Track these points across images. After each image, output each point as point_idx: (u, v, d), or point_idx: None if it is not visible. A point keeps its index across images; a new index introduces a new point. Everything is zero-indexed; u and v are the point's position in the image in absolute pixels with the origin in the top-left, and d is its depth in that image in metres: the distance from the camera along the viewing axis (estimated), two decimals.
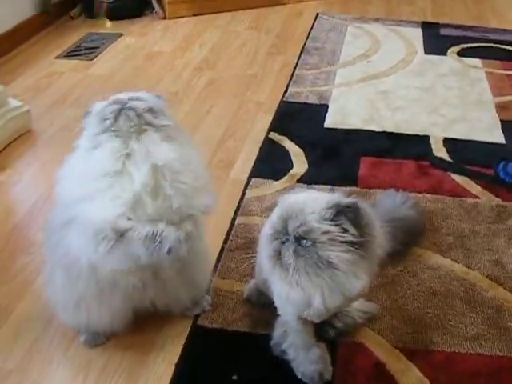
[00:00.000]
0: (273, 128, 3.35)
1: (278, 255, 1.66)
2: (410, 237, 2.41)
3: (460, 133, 3.32)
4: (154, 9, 5.08)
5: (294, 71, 4.07)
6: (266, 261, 1.72)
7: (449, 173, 2.95)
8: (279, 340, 1.96)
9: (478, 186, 2.85)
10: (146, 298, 1.96)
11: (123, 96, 1.89)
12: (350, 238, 1.60)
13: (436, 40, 4.59)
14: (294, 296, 1.69)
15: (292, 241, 1.64)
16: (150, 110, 1.84)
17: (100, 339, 2.06)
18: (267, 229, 1.73)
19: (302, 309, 1.75)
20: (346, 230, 1.60)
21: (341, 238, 1.59)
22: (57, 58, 4.28)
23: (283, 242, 1.65)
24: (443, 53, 4.37)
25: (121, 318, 1.98)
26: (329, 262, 1.59)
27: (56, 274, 1.95)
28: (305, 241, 1.61)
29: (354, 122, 3.43)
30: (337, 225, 1.60)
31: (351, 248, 1.60)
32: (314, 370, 1.89)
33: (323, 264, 1.60)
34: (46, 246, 1.99)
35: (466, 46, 4.47)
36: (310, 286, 1.64)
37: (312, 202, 1.66)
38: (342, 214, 1.60)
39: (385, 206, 2.47)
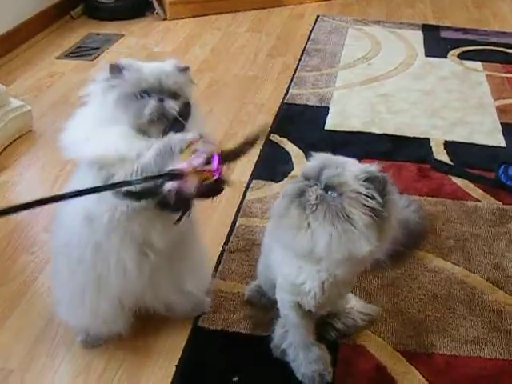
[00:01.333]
0: (273, 130, 3.35)
1: (299, 194, 1.69)
2: (411, 240, 2.41)
3: (461, 136, 3.32)
4: (154, 10, 5.08)
5: (294, 73, 4.07)
6: (278, 203, 1.75)
7: (449, 176, 2.96)
8: (279, 341, 1.97)
9: (479, 190, 2.86)
10: (143, 294, 1.95)
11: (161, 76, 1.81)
12: (374, 205, 1.63)
13: (437, 43, 4.60)
14: (300, 240, 1.69)
15: (321, 187, 1.67)
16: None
17: (97, 341, 2.06)
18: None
19: (303, 257, 1.75)
20: (373, 197, 1.63)
21: (366, 202, 1.63)
22: (58, 58, 4.28)
23: (310, 186, 1.68)
24: (444, 56, 4.37)
25: (119, 317, 1.97)
26: (349, 216, 1.62)
27: (59, 264, 1.95)
28: (333, 192, 1.65)
29: (355, 124, 3.43)
30: (367, 188, 1.64)
31: (372, 214, 1.63)
32: (314, 370, 1.89)
33: (343, 216, 1.63)
34: (52, 242, 2.00)
35: (466, 48, 4.48)
36: (322, 231, 1.65)
37: (350, 162, 1.72)
38: (374, 181, 1.65)
39: None
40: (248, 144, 1.77)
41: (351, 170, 1.67)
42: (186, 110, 1.81)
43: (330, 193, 1.65)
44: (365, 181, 1.65)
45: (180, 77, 1.85)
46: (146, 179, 1.65)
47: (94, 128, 1.76)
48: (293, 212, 1.69)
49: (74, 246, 1.84)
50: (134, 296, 1.94)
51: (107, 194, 1.70)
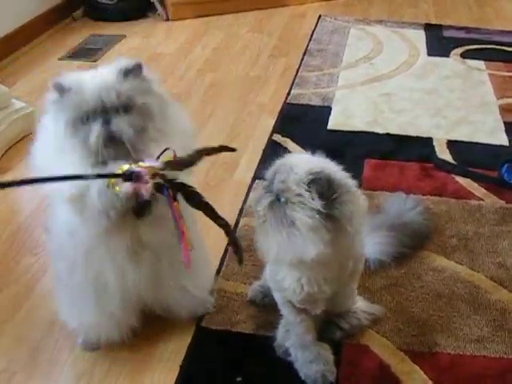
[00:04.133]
0: (276, 130, 3.35)
1: (256, 201, 1.75)
2: (416, 241, 2.41)
3: (463, 135, 3.32)
4: (156, 10, 5.08)
5: (296, 73, 4.07)
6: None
7: (452, 175, 2.96)
8: (282, 340, 1.97)
9: (482, 188, 2.85)
10: (144, 295, 1.95)
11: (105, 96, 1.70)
12: (317, 207, 1.63)
13: (439, 42, 4.60)
14: (260, 246, 1.76)
15: (273, 194, 1.70)
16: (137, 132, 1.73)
17: (98, 343, 2.05)
18: None
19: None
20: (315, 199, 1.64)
21: (309, 204, 1.64)
22: (60, 59, 4.29)
23: (265, 192, 1.73)
24: (446, 55, 4.37)
25: (121, 319, 1.96)
26: (291, 221, 1.64)
27: (58, 266, 1.95)
28: (281, 198, 1.67)
29: (358, 124, 3.43)
30: (308, 191, 1.64)
31: (316, 216, 1.63)
32: (317, 370, 1.89)
33: (286, 222, 1.66)
34: (49, 245, 2.01)
35: (469, 47, 4.47)
36: (271, 237, 1.70)
37: (302, 164, 1.72)
38: (316, 183, 1.65)
39: (393, 210, 2.49)
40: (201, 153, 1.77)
41: (298, 172, 1.68)
42: (143, 121, 1.72)
43: (281, 199, 1.67)
44: (308, 183, 1.65)
45: (126, 84, 1.72)
46: (99, 176, 1.63)
47: (50, 157, 1.72)
48: (255, 220, 1.76)
49: (67, 250, 1.84)
50: (134, 296, 1.93)
51: (89, 212, 1.69)
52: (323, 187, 1.64)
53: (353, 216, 1.69)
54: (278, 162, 1.76)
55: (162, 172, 1.66)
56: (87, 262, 1.83)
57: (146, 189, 1.63)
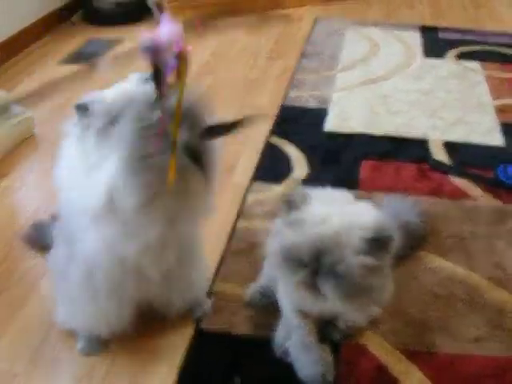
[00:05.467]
0: (273, 132, 3.36)
1: (311, 285, 1.66)
2: (415, 242, 2.44)
3: (460, 136, 3.33)
4: (154, 14, 5.08)
5: (293, 76, 4.09)
6: (292, 287, 1.76)
7: (449, 176, 2.97)
8: (281, 341, 1.97)
9: (478, 189, 2.87)
10: (147, 293, 1.97)
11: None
12: (384, 264, 1.62)
13: (435, 43, 4.62)
14: (310, 304, 1.71)
15: (326, 272, 1.63)
16: None
17: (96, 348, 2.06)
18: (282, 246, 1.72)
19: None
20: (380, 259, 1.61)
21: (376, 266, 1.60)
22: (59, 63, 4.30)
23: (315, 272, 1.64)
24: (442, 56, 4.39)
25: (124, 316, 1.98)
26: (371, 287, 1.61)
27: (67, 266, 1.94)
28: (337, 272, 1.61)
29: (354, 125, 3.44)
30: (373, 255, 1.60)
31: (387, 268, 1.63)
32: (317, 371, 1.89)
33: (365, 290, 1.63)
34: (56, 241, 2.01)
35: (464, 49, 4.49)
36: (348, 307, 1.69)
37: (345, 231, 1.61)
38: (379, 246, 1.60)
39: (390, 212, 2.48)
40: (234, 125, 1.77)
41: (348, 244, 1.59)
42: None
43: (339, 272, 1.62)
44: (370, 249, 1.60)
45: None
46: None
47: (81, 174, 1.74)
48: (311, 298, 1.71)
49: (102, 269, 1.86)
50: (145, 295, 1.95)
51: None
52: (390, 246, 1.61)
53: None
54: (310, 241, 1.64)
55: None
56: (119, 269, 1.85)
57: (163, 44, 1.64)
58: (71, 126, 1.79)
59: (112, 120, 1.69)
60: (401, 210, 2.47)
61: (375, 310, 2.11)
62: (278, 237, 1.78)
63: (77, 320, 2.03)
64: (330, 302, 1.65)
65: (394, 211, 2.46)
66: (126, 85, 1.80)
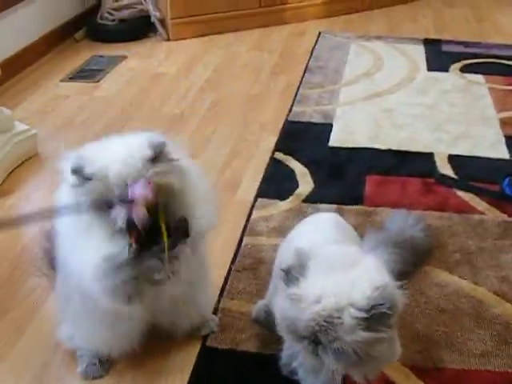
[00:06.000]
0: (278, 148, 3.36)
1: (313, 353, 1.64)
2: (418, 257, 2.42)
3: (464, 149, 3.33)
4: (157, 31, 5.11)
5: (297, 90, 4.09)
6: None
7: (454, 189, 2.96)
8: (288, 360, 1.96)
9: (484, 203, 2.86)
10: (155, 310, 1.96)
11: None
12: (387, 333, 1.58)
13: (438, 57, 4.62)
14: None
15: (325, 347, 1.59)
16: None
17: (98, 371, 2.03)
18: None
19: None
20: (379, 330, 1.57)
21: (378, 336, 1.57)
22: (62, 81, 4.31)
23: (316, 343, 1.61)
24: (446, 69, 4.39)
25: (130, 335, 1.97)
26: (373, 357, 1.58)
27: (66, 289, 1.95)
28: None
29: (359, 140, 3.44)
30: (370, 330, 1.56)
31: (388, 336, 1.59)
32: None
33: (367, 360, 1.58)
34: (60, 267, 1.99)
35: (468, 62, 4.49)
36: (354, 373, 1.67)
37: (338, 311, 1.56)
38: (372, 320, 1.56)
39: (395, 227, 2.50)
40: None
41: (344, 322, 1.55)
42: (166, 198, 1.71)
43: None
44: (368, 323, 1.55)
45: (153, 169, 1.69)
46: (94, 204, 1.65)
47: (76, 237, 1.75)
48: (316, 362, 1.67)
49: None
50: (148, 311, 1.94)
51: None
52: (390, 316, 1.56)
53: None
54: (305, 319, 1.59)
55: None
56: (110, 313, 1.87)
57: (139, 213, 1.63)
58: (67, 184, 1.75)
59: (106, 203, 1.68)
60: (405, 226, 2.48)
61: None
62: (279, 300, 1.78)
63: (81, 340, 2.02)
64: (335, 370, 1.65)
65: (398, 227, 2.46)
66: (129, 158, 1.70)
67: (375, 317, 1.55)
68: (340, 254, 1.76)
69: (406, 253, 2.29)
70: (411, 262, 2.32)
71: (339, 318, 1.56)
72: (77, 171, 1.68)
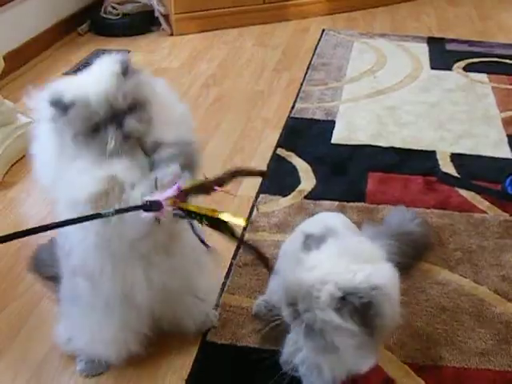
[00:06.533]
0: (280, 144, 3.36)
1: (292, 323, 1.66)
2: (418, 252, 2.42)
3: (467, 148, 3.33)
4: (161, 25, 5.11)
5: (300, 87, 4.09)
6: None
7: (456, 188, 2.96)
8: (290, 357, 1.96)
9: (486, 201, 2.86)
10: (154, 306, 1.95)
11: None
12: (356, 328, 1.57)
13: (442, 55, 4.61)
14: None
15: (299, 317, 1.62)
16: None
17: (96, 368, 2.03)
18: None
19: None
20: (353, 323, 1.56)
21: (345, 327, 1.56)
22: (65, 74, 4.30)
23: (294, 317, 1.63)
24: (449, 68, 4.38)
25: (132, 334, 1.97)
26: (335, 347, 1.59)
27: (77, 283, 1.90)
28: (315, 327, 1.59)
29: (361, 137, 3.44)
30: (341, 314, 1.56)
31: (357, 334, 1.57)
32: None
33: (330, 348, 1.59)
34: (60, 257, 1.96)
35: (471, 61, 4.49)
36: (321, 360, 1.68)
37: (320, 284, 1.58)
38: (348, 307, 1.56)
39: (393, 221, 2.49)
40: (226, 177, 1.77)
41: (320, 296, 1.56)
42: (148, 113, 1.74)
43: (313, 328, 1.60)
44: (340, 307, 1.56)
45: (128, 84, 1.73)
46: (119, 211, 1.61)
47: (59, 170, 1.72)
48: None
49: (92, 266, 1.81)
50: (147, 308, 1.93)
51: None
52: (363, 311, 1.55)
53: (391, 318, 1.62)
54: (287, 287, 1.64)
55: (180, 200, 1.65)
56: (115, 272, 1.81)
57: (165, 216, 1.63)
58: (45, 119, 1.72)
59: (92, 126, 1.67)
60: (403, 220, 2.47)
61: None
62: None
63: (80, 341, 2.01)
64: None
65: (396, 221, 2.46)
66: (105, 80, 1.71)
67: (350, 306, 1.55)
68: (358, 244, 1.76)
69: (403, 246, 2.27)
70: (409, 255, 2.31)
71: (319, 290, 1.56)
72: (56, 102, 1.67)
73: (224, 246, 2.51)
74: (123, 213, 1.61)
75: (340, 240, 1.69)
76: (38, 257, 2.24)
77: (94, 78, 1.72)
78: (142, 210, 1.60)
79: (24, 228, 1.54)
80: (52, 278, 2.08)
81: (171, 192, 1.62)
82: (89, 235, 1.73)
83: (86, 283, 1.85)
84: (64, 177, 1.70)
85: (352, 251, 1.66)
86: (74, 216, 1.61)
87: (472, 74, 4.27)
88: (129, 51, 4.70)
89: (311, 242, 1.68)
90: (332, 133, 3.49)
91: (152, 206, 1.60)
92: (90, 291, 1.86)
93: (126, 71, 1.74)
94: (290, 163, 3.18)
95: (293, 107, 3.81)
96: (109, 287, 1.83)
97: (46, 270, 2.14)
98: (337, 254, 1.63)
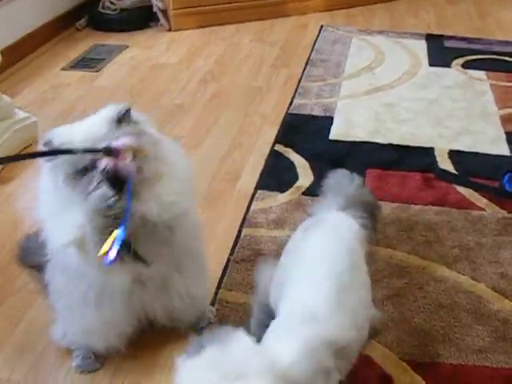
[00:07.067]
0: (278, 140, 3.36)
1: None
2: (374, 220, 2.13)
3: (465, 145, 3.33)
4: (159, 21, 5.10)
5: (298, 83, 4.08)
6: None
7: (454, 185, 2.96)
8: (256, 327, 1.94)
9: (484, 199, 2.86)
10: (144, 305, 1.96)
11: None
12: None
13: (440, 52, 4.61)
14: None
15: None
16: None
17: (92, 364, 2.03)
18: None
19: None
20: None
21: None
22: (63, 69, 4.30)
23: None
24: (448, 65, 4.38)
25: (123, 327, 1.98)
26: None
27: (57, 278, 1.94)
28: None
29: (359, 134, 3.44)
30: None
31: None
32: None
33: None
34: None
35: (470, 58, 4.48)
36: None
37: None
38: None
39: (340, 189, 2.17)
40: None
41: None
42: (138, 162, 1.72)
43: None
44: None
45: (119, 132, 1.72)
46: (84, 151, 1.65)
47: (53, 209, 1.78)
48: None
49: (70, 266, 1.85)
50: (139, 305, 1.94)
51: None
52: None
53: None
54: None
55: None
56: (100, 297, 1.87)
57: (126, 164, 1.64)
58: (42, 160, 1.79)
59: (78, 172, 1.70)
60: (349, 186, 2.19)
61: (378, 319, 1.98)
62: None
63: (74, 335, 2.01)
64: None
65: (344, 189, 2.18)
66: (95, 128, 1.74)
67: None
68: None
69: (366, 215, 2.04)
70: (372, 225, 2.06)
71: None
72: (47, 144, 1.72)
73: (221, 242, 2.53)
74: (89, 152, 1.66)
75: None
76: (24, 246, 2.24)
77: (88, 124, 1.77)
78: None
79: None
80: (37, 268, 2.08)
81: (128, 140, 1.65)
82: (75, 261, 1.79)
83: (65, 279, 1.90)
84: (53, 218, 1.77)
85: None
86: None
87: (470, 71, 4.26)
88: (127, 46, 4.70)
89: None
90: (330, 129, 3.48)
91: (112, 152, 1.63)
92: (69, 287, 1.90)
93: (121, 119, 1.74)
94: (288, 159, 3.17)
95: (291, 103, 3.80)
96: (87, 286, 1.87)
97: (32, 259, 2.13)
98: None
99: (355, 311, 1.67)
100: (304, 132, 3.46)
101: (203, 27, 5.09)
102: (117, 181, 1.68)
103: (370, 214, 2.07)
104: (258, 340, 1.58)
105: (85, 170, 1.69)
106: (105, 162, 1.65)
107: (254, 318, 1.99)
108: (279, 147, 3.28)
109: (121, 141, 1.65)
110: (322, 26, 5.14)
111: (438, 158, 3.19)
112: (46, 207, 1.80)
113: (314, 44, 4.77)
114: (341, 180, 2.24)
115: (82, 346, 2.02)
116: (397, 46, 4.71)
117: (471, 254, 2.52)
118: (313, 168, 3.08)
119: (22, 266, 2.22)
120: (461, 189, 2.93)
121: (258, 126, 3.54)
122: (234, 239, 2.58)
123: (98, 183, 1.68)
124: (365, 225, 1.97)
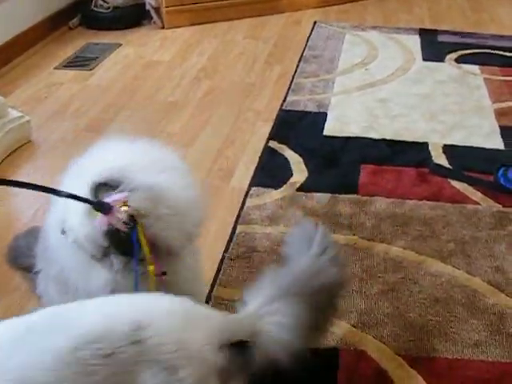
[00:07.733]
0: (272, 136, 3.35)
1: None
2: (324, 296, 1.59)
3: (459, 139, 3.33)
4: (152, 18, 5.09)
5: (292, 79, 4.08)
6: None
7: (449, 179, 2.96)
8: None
9: (478, 193, 2.86)
10: None
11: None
12: None
13: (434, 47, 4.60)
14: None
15: None
16: None
17: None
18: None
19: None
20: None
21: None
22: (56, 68, 4.29)
23: None
24: (441, 59, 4.37)
25: None
26: None
27: (50, 287, 1.93)
28: None
29: (353, 129, 3.43)
30: None
31: None
32: None
33: None
34: (41, 256, 1.96)
35: (464, 52, 4.48)
36: None
37: None
38: None
39: (297, 262, 1.66)
40: None
41: None
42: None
43: None
44: None
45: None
46: (72, 196, 1.63)
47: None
48: None
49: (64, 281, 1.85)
50: None
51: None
52: None
53: None
54: None
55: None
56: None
57: (119, 219, 1.62)
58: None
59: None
60: (312, 258, 1.63)
61: None
62: None
63: None
64: None
65: (303, 261, 1.64)
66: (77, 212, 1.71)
67: None
68: None
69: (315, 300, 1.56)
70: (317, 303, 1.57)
71: None
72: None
73: (216, 239, 2.52)
74: (75, 199, 1.63)
75: None
76: (14, 247, 2.23)
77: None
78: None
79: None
80: (28, 269, 2.07)
81: (119, 196, 1.62)
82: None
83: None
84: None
85: None
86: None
87: (464, 66, 4.26)
88: (120, 44, 4.69)
89: None
90: (324, 125, 3.48)
91: (103, 206, 1.60)
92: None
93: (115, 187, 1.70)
94: (282, 155, 3.17)
95: (284, 99, 3.80)
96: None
97: (22, 260, 2.12)
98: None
99: None
100: (298, 128, 3.46)
101: (196, 25, 5.08)
102: (120, 240, 1.66)
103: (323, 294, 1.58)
104: None
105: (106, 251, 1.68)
106: (100, 222, 1.63)
107: None
108: (273, 144, 3.28)
109: (112, 197, 1.63)
110: (315, 22, 5.13)
111: (432, 153, 3.18)
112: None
113: (308, 40, 4.76)
114: (297, 246, 1.72)
115: None
116: (390, 42, 4.71)
117: (466, 248, 2.52)
118: (307, 164, 3.07)
119: (13, 268, 2.21)
120: (455, 183, 2.93)
121: (252, 122, 3.53)
122: (228, 236, 2.58)
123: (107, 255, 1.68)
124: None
